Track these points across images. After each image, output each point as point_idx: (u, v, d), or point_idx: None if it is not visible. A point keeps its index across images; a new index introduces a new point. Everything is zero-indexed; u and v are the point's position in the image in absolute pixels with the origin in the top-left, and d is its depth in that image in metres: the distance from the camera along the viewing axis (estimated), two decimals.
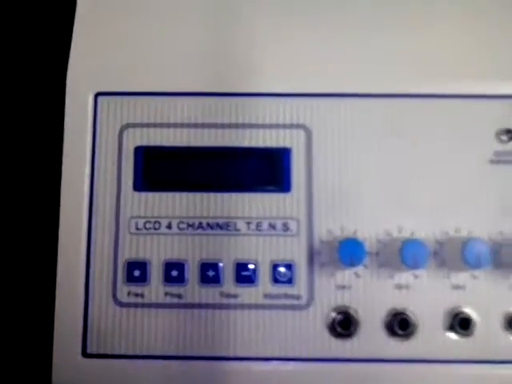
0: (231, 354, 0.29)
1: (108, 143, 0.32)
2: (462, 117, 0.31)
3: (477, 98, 0.31)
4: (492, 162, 0.30)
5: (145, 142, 0.31)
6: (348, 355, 0.29)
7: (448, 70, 0.31)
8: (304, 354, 0.29)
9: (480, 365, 0.29)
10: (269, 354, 0.29)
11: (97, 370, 0.30)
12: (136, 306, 0.30)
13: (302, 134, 0.31)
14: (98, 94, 0.32)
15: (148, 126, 0.32)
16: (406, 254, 0.27)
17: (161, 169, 0.31)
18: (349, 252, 0.27)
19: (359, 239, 0.28)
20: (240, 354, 0.29)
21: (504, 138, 0.30)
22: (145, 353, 0.30)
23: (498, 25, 0.32)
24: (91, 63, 0.32)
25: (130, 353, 0.30)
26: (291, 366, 0.29)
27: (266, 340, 0.29)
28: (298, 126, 0.31)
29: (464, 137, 0.31)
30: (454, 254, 0.29)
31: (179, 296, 0.30)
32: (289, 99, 0.31)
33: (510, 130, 0.30)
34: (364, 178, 0.31)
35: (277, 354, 0.29)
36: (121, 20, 0.33)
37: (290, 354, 0.29)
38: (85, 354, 0.30)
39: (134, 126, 0.32)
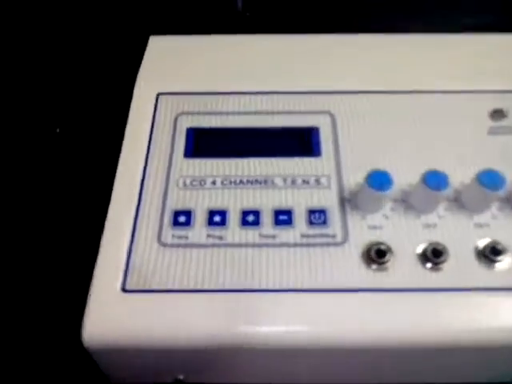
0: (270, 287, 0.31)
1: (165, 126, 0.39)
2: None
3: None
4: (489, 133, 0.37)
5: (195, 125, 0.39)
6: (384, 285, 0.31)
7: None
8: (342, 286, 0.31)
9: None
10: (306, 287, 0.31)
11: (136, 304, 0.31)
12: (179, 246, 0.33)
13: (327, 117, 0.38)
14: (159, 94, 0.41)
15: (198, 113, 0.39)
16: (430, 181, 0.31)
17: (208, 142, 0.38)
18: (378, 179, 0.32)
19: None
20: (279, 287, 0.31)
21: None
22: (185, 287, 0.31)
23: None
24: (154, 73, 0.42)
25: (171, 287, 0.31)
26: (330, 297, 0.30)
27: (304, 274, 0.31)
28: (324, 112, 0.39)
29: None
30: (474, 194, 0.33)
31: (220, 237, 0.33)
32: (316, 95, 0.40)
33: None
34: (381, 148, 0.37)
35: (314, 286, 0.31)
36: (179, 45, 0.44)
37: (328, 286, 0.31)
38: (124, 289, 0.31)
39: (187, 113, 0.39)
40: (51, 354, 0.37)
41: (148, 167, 0.36)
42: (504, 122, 0.38)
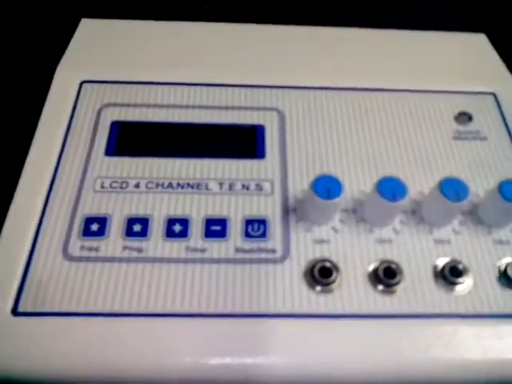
0: (195, 311, 0.26)
1: (86, 118, 0.34)
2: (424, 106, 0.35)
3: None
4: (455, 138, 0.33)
5: (120, 118, 0.34)
6: (329, 310, 0.26)
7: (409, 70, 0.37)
8: (280, 310, 0.26)
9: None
10: (238, 311, 0.26)
11: (28, 330, 0.25)
12: (88, 259, 0.28)
13: (275, 114, 0.34)
14: (82, 82, 0.35)
15: (126, 105, 0.34)
16: (384, 188, 0.27)
17: (134, 139, 0.33)
18: (325, 185, 0.27)
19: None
20: (206, 310, 0.26)
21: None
22: (91, 310, 0.26)
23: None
24: (81, 59, 0.37)
25: (74, 310, 0.26)
26: (265, 323, 0.26)
27: (237, 296, 0.27)
28: (272, 109, 0.35)
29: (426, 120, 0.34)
30: (435, 208, 0.29)
31: (139, 250, 0.28)
32: (263, 89, 0.35)
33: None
34: (333, 151, 0.33)
35: (248, 311, 0.26)
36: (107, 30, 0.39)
37: (264, 311, 0.26)
38: (15, 312, 0.26)
39: (113, 105, 0.34)
40: None
41: (61, 165, 0.31)
42: (470, 127, 0.34)
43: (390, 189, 0.27)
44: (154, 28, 0.40)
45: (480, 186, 0.31)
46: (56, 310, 0.26)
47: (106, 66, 0.37)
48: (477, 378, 0.26)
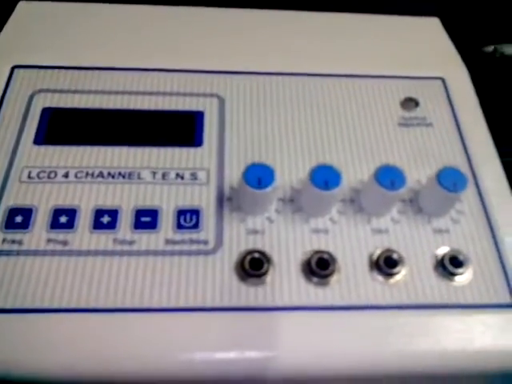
0: (119, 306, 0.26)
1: (16, 105, 0.33)
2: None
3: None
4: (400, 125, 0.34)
5: (52, 105, 0.33)
6: (260, 302, 0.26)
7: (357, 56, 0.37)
8: (210, 303, 0.26)
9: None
10: (166, 305, 0.26)
11: None
12: (10, 253, 0.27)
13: (215, 100, 0.34)
14: (14, 67, 0.35)
15: (59, 91, 0.34)
16: (316, 177, 0.27)
17: (64, 126, 0.32)
18: (257, 174, 0.27)
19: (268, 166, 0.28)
20: (134, 305, 0.26)
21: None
22: (11, 306, 0.26)
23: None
24: (13, 43, 0.36)
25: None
26: (195, 317, 0.26)
27: (164, 289, 0.27)
28: (212, 95, 0.34)
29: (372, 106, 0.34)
30: (373, 195, 0.29)
31: (65, 243, 0.28)
32: (202, 74, 0.35)
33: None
34: (276, 138, 0.32)
35: (177, 305, 0.26)
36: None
37: (193, 304, 0.26)
38: None
39: (45, 91, 0.34)
40: None
41: None
42: (416, 113, 0.34)
43: (324, 177, 0.27)
44: (90, 10, 0.40)
45: (423, 174, 0.31)
46: None
47: (39, 50, 0.36)
48: (412, 368, 0.26)
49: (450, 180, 0.28)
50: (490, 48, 0.57)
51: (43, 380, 0.24)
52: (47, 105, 0.33)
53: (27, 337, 0.25)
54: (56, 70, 0.35)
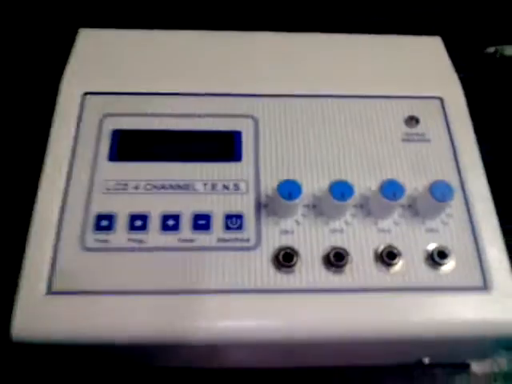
0: (186, 288, 0.35)
1: (90, 127, 0.42)
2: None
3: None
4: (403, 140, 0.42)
5: (120, 127, 0.42)
6: (291, 286, 0.35)
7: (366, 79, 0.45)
8: (252, 286, 0.35)
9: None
10: (220, 287, 0.35)
11: (60, 305, 0.34)
12: (100, 249, 0.36)
13: (250, 121, 0.42)
14: (86, 93, 0.43)
15: (123, 115, 0.42)
16: (335, 190, 0.36)
17: (132, 146, 0.41)
18: (287, 188, 0.36)
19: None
20: (196, 287, 0.35)
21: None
22: (106, 289, 0.35)
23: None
24: (83, 71, 0.44)
25: (93, 289, 0.35)
26: (242, 297, 0.35)
27: (219, 276, 0.36)
28: (248, 116, 0.42)
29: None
30: (378, 202, 0.37)
31: (141, 241, 0.37)
32: (240, 97, 0.43)
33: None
34: (302, 154, 0.41)
35: (228, 287, 0.35)
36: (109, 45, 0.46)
37: (240, 287, 0.35)
38: (49, 291, 0.35)
39: (112, 115, 0.42)
40: None
41: (73, 170, 0.39)
42: (417, 130, 0.42)
43: (340, 190, 0.36)
44: (146, 37, 0.47)
45: (420, 183, 0.39)
46: (77, 289, 0.35)
47: (104, 78, 0.44)
48: (407, 335, 0.35)
49: (439, 191, 0.36)
50: (492, 49, 0.63)
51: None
52: (116, 127, 0.42)
53: (116, 312, 0.34)
54: (120, 96, 0.43)
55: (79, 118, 0.42)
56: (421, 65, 0.46)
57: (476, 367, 0.41)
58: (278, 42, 0.47)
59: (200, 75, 0.44)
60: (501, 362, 0.42)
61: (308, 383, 0.41)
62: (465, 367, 0.42)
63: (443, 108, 0.43)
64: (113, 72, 0.45)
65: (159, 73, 0.45)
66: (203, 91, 0.43)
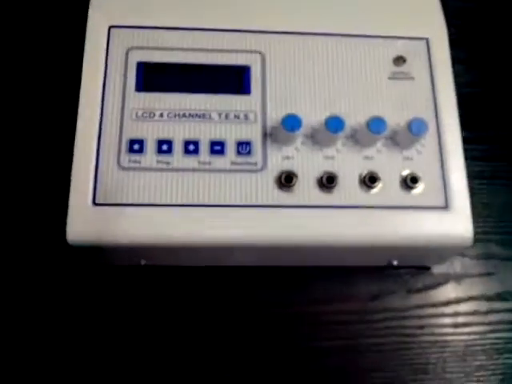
0: (206, 202, 0.44)
1: (117, 59, 0.47)
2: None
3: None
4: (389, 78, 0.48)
5: (144, 60, 0.48)
6: (290, 202, 0.44)
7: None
8: (259, 202, 0.44)
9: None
10: (233, 202, 0.44)
11: (103, 213, 0.43)
12: (134, 169, 0.44)
13: (258, 56, 0.48)
14: (111, 27, 0.48)
15: (146, 48, 0.48)
16: (329, 124, 0.43)
17: (156, 77, 0.47)
18: (290, 121, 0.43)
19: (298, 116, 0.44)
20: (213, 202, 0.44)
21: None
22: (140, 202, 0.44)
23: None
24: (106, 6, 0.49)
25: (129, 202, 0.43)
26: (250, 211, 0.44)
27: (232, 193, 0.44)
28: (256, 52, 0.48)
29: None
30: (364, 135, 0.45)
31: (167, 163, 0.45)
32: (249, 34, 0.49)
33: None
34: (302, 88, 0.47)
35: (239, 202, 0.44)
36: None
37: (249, 203, 0.44)
38: (94, 202, 0.43)
39: (137, 48, 0.48)
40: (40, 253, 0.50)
41: (105, 100, 0.46)
42: (403, 68, 0.49)
43: (334, 124, 0.44)
44: None
45: (402, 118, 0.47)
46: (117, 202, 0.44)
47: (127, 12, 0.49)
48: (383, 244, 0.45)
49: (416, 127, 0.44)
50: None
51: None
52: (139, 60, 0.48)
53: (149, 220, 0.43)
54: (143, 30, 0.49)
55: (107, 51, 0.48)
56: (409, 6, 0.51)
57: (436, 269, 0.52)
58: None
59: (216, 11, 0.49)
60: (456, 265, 0.52)
61: (297, 278, 0.51)
62: (427, 269, 0.52)
63: (428, 48, 0.49)
64: (135, 6, 0.49)
65: (178, 8, 0.50)
66: (219, 27, 0.49)
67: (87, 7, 0.49)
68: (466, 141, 0.47)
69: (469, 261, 0.53)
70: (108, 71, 0.47)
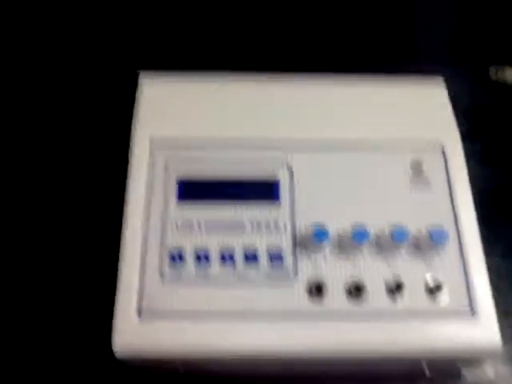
0: (244, 314, 0.47)
1: (159, 172, 0.52)
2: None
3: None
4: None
5: (182, 175, 0.52)
6: (320, 312, 0.47)
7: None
8: (294, 311, 0.47)
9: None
10: (268, 311, 0.47)
11: (147, 325, 0.47)
12: (176, 281, 0.48)
13: (286, 171, 0.53)
14: (153, 139, 0.54)
15: (185, 160, 0.53)
16: (356, 235, 0.47)
17: (194, 190, 0.52)
18: (319, 234, 0.47)
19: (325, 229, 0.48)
20: (252, 313, 0.47)
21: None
22: (184, 314, 0.47)
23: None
24: (151, 118, 0.55)
25: (173, 314, 0.47)
26: (284, 322, 0.47)
27: (266, 304, 0.48)
28: (284, 166, 0.53)
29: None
30: (389, 242, 0.49)
31: (206, 274, 0.49)
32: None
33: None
34: (328, 199, 0.52)
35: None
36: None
37: (281, 312, 0.47)
38: (139, 313, 0.47)
39: (176, 159, 0.53)
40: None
41: (149, 211, 0.51)
42: (421, 177, 0.53)
43: (360, 235, 0.47)
44: (200, 84, 0.57)
45: (423, 226, 0.50)
46: (161, 313, 0.47)
47: (169, 124, 0.54)
48: (411, 355, 0.47)
49: (437, 235, 0.48)
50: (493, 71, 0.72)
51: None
52: (179, 175, 0.52)
53: (193, 333, 0.47)
54: (182, 141, 0.54)
55: (149, 163, 0.53)
56: (422, 110, 0.56)
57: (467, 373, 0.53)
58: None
59: (249, 123, 0.55)
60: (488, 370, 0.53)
61: None
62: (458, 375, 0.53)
63: (444, 157, 0.54)
64: (176, 118, 0.55)
65: (213, 120, 0.55)
66: (251, 137, 0.54)
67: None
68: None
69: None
70: (150, 183, 0.52)
